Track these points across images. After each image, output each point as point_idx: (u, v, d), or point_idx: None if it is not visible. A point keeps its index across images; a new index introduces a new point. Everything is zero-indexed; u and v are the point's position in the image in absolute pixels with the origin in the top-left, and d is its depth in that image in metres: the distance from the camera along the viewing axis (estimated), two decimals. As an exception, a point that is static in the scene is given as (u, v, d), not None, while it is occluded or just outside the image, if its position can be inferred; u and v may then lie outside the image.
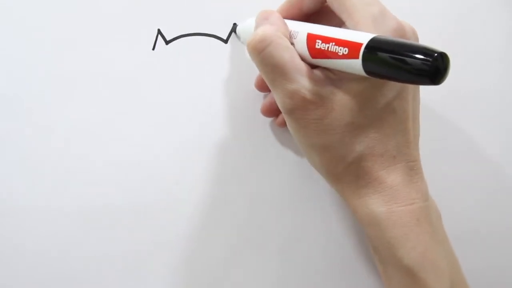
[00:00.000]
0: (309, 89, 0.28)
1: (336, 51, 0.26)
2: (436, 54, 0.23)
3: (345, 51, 0.26)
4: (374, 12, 0.28)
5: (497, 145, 0.37)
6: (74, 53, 0.36)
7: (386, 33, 0.27)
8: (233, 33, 0.36)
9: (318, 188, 0.36)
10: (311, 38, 0.28)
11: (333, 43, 0.26)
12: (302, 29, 0.29)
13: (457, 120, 0.37)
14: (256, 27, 0.31)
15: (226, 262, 0.36)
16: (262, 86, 0.35)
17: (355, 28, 0.28)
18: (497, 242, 0.37)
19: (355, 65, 0.25)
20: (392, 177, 0.29)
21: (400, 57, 0.24)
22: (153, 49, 0.36)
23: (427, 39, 0.36)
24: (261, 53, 0.29)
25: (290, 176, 0.36)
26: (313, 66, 0.29)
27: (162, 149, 0.36)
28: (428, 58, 0.23)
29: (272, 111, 0.35)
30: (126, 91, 0.36)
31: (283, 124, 0.33)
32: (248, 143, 0.36)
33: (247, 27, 0.34)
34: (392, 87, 0.28)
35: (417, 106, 0.31)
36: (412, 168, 0.29)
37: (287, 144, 0.36)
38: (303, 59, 0.29)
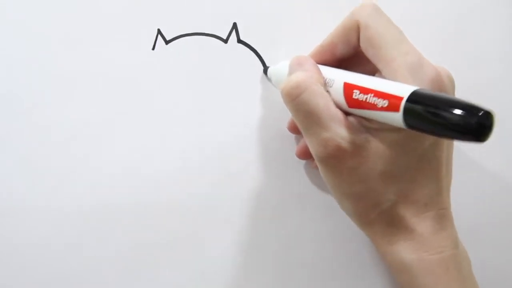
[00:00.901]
0: (344, 138, 0.27)
1: (375, 103, 0.26)
2: (481, 113, 0.22)
3: (385, 103, 0.25)
4: (411, 61, 0.27)
5: (497, 145, 0.37)
6: (74, 53, 0.36)
7: (424, 82, 0.26)
8: (264, 75, 0.36)
9: (318, 187, 0.36)
10: (348, 88, 0.27)
11: (372, 94, 0.26)
12: (338, 77, 0.29)
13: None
14: (290, 73, 0.31)
15: (226, 262, 0.36)
16: (295, 129, 0.35)
17: (391, 77, 0.27)
18: (497, 242, 0.37)
19: (395, 117, 0.25)
20: (423, 224, 0.29)
21: (443, 113, 0.23)
22: (153, 49, 0.36)
23: (427, 39, 0.37)
24: (296, 100, 0.28)
25: (290, 175, 0.36)
26: (348, 113, 0.29)
27: (162, 149, 0.36)
28: (473, 116, 0.22)
29: (307, 154, 0.34)
30: (126, 91, 0.36)
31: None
32: (248, 143, 0.36)
33: (279, 70, 0.33)
34: (428, 137, 0.28)
35: (451, 152, 0.31)
36: (443, 216, 0.29)
37: (287, 144, 0.36)
38: (338, 107, 0.28)
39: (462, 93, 0.37)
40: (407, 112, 0.24)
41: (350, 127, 0.28)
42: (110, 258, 0.35)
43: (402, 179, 0.28)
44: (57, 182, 0.35)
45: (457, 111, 0.22)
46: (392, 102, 0.25)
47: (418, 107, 0.24)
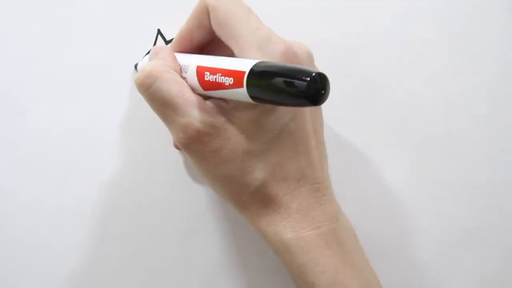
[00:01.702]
0: (202, 121, 0.27)
1: (223, 82, 0.26)
2: (313, 75, 0.23)
3: (231, 80, 0.26)
4: (260, 37, 0.27)
5: (497, 145, 0.37)
6: (74, 53, 0.36)
7: (274, 57, 0.27)
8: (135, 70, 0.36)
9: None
10: (200, 71, 0.28)
11: (220, 74, 0.26)
12: (192, 62, 0.29)
13: (457, 120, 0.37)
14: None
15: (226, 262, 0.36)
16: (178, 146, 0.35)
17: (242, 55, 0.27)
18: (497, 242, 0.37)
19: (242, 93, 0.25)
20: (298, 201, 0.28)
21: (279, 81, 0.23)
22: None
23: (427, 39, 0.37)
24: (149, 89, 0.28)
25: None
26: (207, 98, 0.29)
27: (162, 149, 0.36)
28: (304, 80, 0.23)
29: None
30: (126, 91, 0.36)
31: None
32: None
33: (145, 63, 0.32)
34: (286, 111, 0.28)
35: (320, 127, 0.31)
36: (318, 190, 0.29)
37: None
38: (197, 92, 0.29)
39: (462, 93, 0.37)
40: (250, 85, 0.25)
41: (207, 111, 0.28)
42: (110, 258, 0.35)
43: (267, 157, 0.28)
44: (57, 182, 0.35)
45: (291, 78, 0.23)
46: (237, 78, 0.25)
47: (257, 80, 0.24)
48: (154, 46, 0.32)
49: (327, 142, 0.32)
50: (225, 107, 0.28)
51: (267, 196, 0.28)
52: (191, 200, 0.36)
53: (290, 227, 0.28)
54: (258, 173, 0.28)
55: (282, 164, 0.28)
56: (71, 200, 0.35)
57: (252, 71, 0.25)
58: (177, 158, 0.36)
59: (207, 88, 0.28)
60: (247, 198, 0.29)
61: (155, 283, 0.35)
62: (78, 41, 0.36)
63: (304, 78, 0.23)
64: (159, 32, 0.36)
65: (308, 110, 0.29)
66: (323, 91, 0.23)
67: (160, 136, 0.36)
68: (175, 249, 0.36)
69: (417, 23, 0.37)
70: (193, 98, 0.28)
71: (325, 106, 0.36)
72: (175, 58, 0.30)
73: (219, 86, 0.26)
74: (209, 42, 0.31)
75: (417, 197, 0.36)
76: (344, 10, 0.37)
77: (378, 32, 0.37)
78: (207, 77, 0.27)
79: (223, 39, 0.29)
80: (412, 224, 0.36)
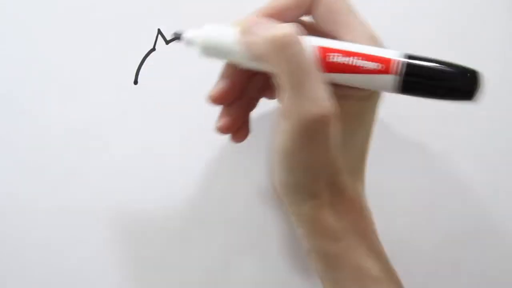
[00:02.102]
0: (330, 100, 0.26)
1: (362, 66, 0.25)
2: (474, 71, 0.24)
3: (377, 66, 0.25)
4: (370, 30, 0.27)
5: (497, 145, 0.37)
6: (75, 53, 0.36)
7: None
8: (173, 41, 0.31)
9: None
10: (324, 51, 0.26)
11: (357, 57, 0.25)
12: (307, 40, 0.26)
13: (457, 120, 0.37)
14: (248, 31, 0.27)
15: (226, 262, 0.36)
16: (222, 99, 0.32)
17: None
18: (497, 242, 0.37)
19: (387, 81, 0.25)
20: (358, 189, 0.30)
21: (440, 73, 0.25)
22: (153, 48, 0.36)
23: (427, 39, 0.37)
24: (289, 49, 0.25)
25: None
26: None
27: (162, 149, 0.36)
28: (466, 76, 0.24)
29: (225, 98, 0.31)
30: (126, 91, 0.36)
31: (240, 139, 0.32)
32: (248, 142, 0.36)
33: (221, 37, 0.29)
34: (377, 104, 0.28)
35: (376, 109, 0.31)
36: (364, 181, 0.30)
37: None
38: None
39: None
40: (405, 75, 0.25)
41: (328, 92, 0.26)
42: (110, 258, 0.35)
43: (354, 151, 0.29)
44: (57, 182, 0.35)
45: (452, 71, 0.24)
46: (386, 64, 0.25)
47: (413, 69, 0.25)
48: (247, 19, 0.28)
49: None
50: (336, 94, 0.26)
51: (340, 186, 0.28)
52: (191, 200, 0.36)
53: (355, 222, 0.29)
54: (338, 163, 0.28)
55: (355, 158, 0.29)
56: (71, 200, 0.35)
57: (407, 60, 0.25)
58: (176, 156, 0.36)
59: (330, 70, 0.26)
60: (322, 186, 0.28)
61: (155, 283, 0.35)
62: (78, 41, 0.36)
63: (466, 73, 0.24)
64: (159, 32, 0.36)
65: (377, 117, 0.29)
66: (480, 88, 0.24)
67: (160, 135, 0.36)
68: (175, 249, 0.36)
69: (417, 23, 0.37)
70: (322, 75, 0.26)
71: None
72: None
73: (353, 69, 0.25)
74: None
75: (417, 197, 0.37)
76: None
77: (378, 32, 0.37)
78: (333, 58, 0.26)
79: (328, 25, 0.28)
80: (412, 224, 0.36)
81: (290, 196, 0.28)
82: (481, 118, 0.37)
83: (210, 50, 0.29)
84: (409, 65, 0.25)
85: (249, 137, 0.36)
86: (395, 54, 0.25)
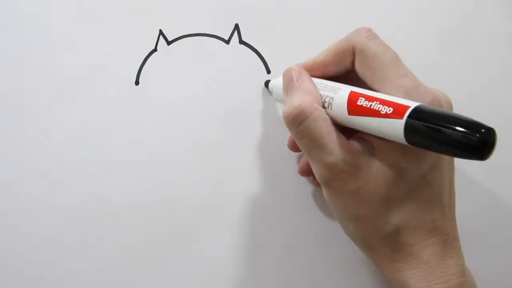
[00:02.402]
0: (347, 161, 0.28)
1: (380, 109, 0.26)
2: (484, 130, 0.22)
3: (390, 110, 0.26)
4: (408, 84, 0.28)
5: (497, 146, 0.37)
6: (75, 53, 0.36)
7: None
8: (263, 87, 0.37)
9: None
10: (354, 95, 0.28)
11: (378, 102, 0.27)
12: (343, 86, 0.29)
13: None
14: (285, 88, 0.31)
15: (226, 262, 0.36)
16: (295, 147, 0.35)
17: None
18: (497, 242, 0.37)
19: (397, 126, 0.25)
20: (428, 251, 0.28)
21: (445, 129, 0.23)
22: (155, 49, 0.36)
23: (427, 39, 0.37)
24: (299, 126, 0.29)
25: (291, 174, 0.36)
26: (345, 132, 0.29)
27: (163, 149, 0.36)
28: (476, 133, 0.22)
29: (308, 172, 0.35)
30: (126, 91, 0.36)
31: (319, 185, 0.34)
32: (248, 142, 0.36)
33: (280, 83, 0.33)
34: (427, 159, 0.28)
35: (453, 176, 0.31)
36: (447, 242, 0.29)
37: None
38: (335, 120, 0.29)
39: (462, 93, 0.38)
40: (409, 123, 0.24)
41: (352, 151, 0.28)
42: (110, 258, 0.35)
43: (404, 203, 0.28)
44: (57, 182, 0.35)
45: (460, 128, 0.23)
46: (397, 109, 0.25)
47: (421, 120, 0.24)
48: (290, 70, 0.32)
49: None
50: (367, 148, 0.29)
51: (398, 242, 0.29)
52: (192, 200, 0.36)
53: (420, 277, 0.28)
54: (392, 219, 0.28)
55: (416, 213, 0.28)
56: (71, 200, 0.35)
57: (417, 109, 0.25)
58: (176, 156, 0.36)
59: (355, 113, 0.28)
60: (377, 242, 0.29)
61: (155, 283, 0.35)
62: (79, 41, 0.36)
63: (475, 130, 0.22)
64: (161, 32, 0.36)
65: (446, 159, 0.29)
66: (492, 147, 0.23)
67: (160, 135, 0.36)
68: (175, 249, 0.35)
69: (417, 23, 0.37)
70: (340, 137, 0.28)
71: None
72: (317, 90, 0.30)
73: (373, 113, 0.26)
74: (336, 77, 0.32)
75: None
76: (344, 10, 0.37)
77: (378, 32, 0.37)
78: (360, 102, 0.27)
79: (367, 81, 0.30)
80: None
81: (356, 245, 0.31)
82: (481, 118, 0.37)
83: (274, 95, 0.35)
84: (416, 110, 0.25)
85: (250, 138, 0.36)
86: (412, 103, 0.25)
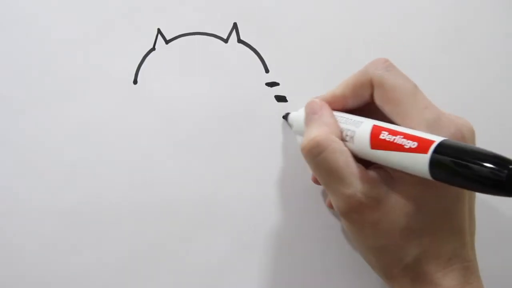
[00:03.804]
0: (365, 192, 0.28)
1: (403, 144, 0.26)
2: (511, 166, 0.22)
3: (414, 144, 0.25)
4: (429, 117, 0.27)
5: (497, 145, 0.37)
6: (74, 53, 0.36)
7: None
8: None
9: (320, 187, 0.36)
10: (377, 129, 0.28)
11: (401, 136, 0.26)
12: (365, 120, 0.29)
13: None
14: (306, 121, 0.31)
15: (226, 263, 0.36)
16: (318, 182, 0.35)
17: None
18: (497, 242, 0.37)
19: (421, 161, 0.25)
20: (448, 279, 0.28)
21: (472, 165, 0.23)
22: (153, 48, 0.36)
23: (428, 39, 0.37)
24: (316, 158, 0.29)
25: (291, 173, 0.36)
26: (365, 163, 0.29)
27: (161, 148, 0.36)
28: (504, 169, 0.22)
29: None
30: (125, 91, 0.36)
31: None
32: (248, 142, 0.36)
33: (299, 117, 0.33)
34: (449, 192, 0.28)
35: (473, 204, 0.30)
36: (468, 269, 0.28)
37: (288, 141, 0.36)
38: (357, 153, 0.29)
39: (462, 93, 0.37)
40: (435, 157, 0.24)
41: (370, 181, 0.28)
42: (110, 258, 0.35)
43: (424, 234, 0.28)
44: (57, 182, 0.35)
45: (487, 164, 0.22)
46: (421, 144, 0.25)
47: (447, 156, 0.24)
48: (311, 103, 0.32)
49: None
50: (386, 178, 0.28)
51: (418, 272, 0.28)
52: (192, 200, 0.36)
53: None
54: (412, 250, 0.28)
55: (436, 243, 0.28)
56: (71, 200, 0.35)
57: (442, 144, 0.24)
58: (176, 156, 0.36)
59: (377, 147, 0.27)
60: (398, 272, 0.29)
61: (155, 283, 0.35)
62: (78, 40, 0.36)
63: (505, 167, 0.22)
64: (159, 31, 0.36)
65: (467, 191, 0.29)
66: None
67: (160, 135, 0.36)
68: (175, 249, 0.36)
69: (417, 23, 0.37)
70: (358, 168, 0.28)
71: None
72: (336, 122, 0.30)
73: (397, 147, 0.26)
74: (356, 109, 0.31)
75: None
76: (343, 10, 0.37)
77: (378, 32, 0.37)
78: (383, 136, 0.27)
79: (387, 114, 0.29)
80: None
81: (379, 276, 0.31)
82: (481, 118, 0.37)
83: (293, 128, 0.35)
84: (441, 145, 0.24)
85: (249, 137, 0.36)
86: (436, 137, 0.25)
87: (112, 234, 0.35)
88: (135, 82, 0.36)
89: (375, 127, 0.28)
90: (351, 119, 0.30)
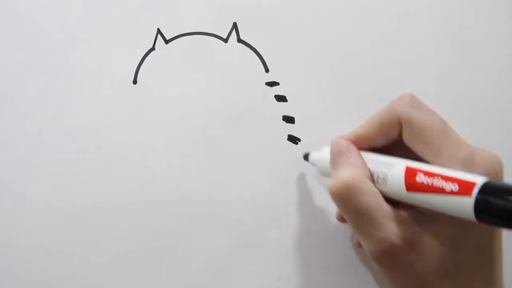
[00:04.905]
0: (398, 234, 0.27)
1: (443, 186, 0.25)
2: None
3: (455, 187, 0.24)
4: (463, 155, 0.27)
5: (498, 145, 0.37)
6: (74, 53, 0.36)
7: None
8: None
9: (319, 188, 0.36)
10: (411, 171, 0.27)
11: (439, 178, 0.25)
12: (397, 161, 0.28)
13: (456, 119, 0.37)
14: (333, 163, 0.30)
15: (226, 263, 0.36)
16: (344, 219, 0.35)
17: None
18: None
19: (463, 204, 0.24)
20: None
21: None
22: (153, 48, 0.36)
23: (428, 39, 0.37)
24: (347, 201, 0.28)
25: (291, 173, 0.36)
26: (395, 204, 0.28)
27: (161, 148, 0.36)
28: None
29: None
30: (125, 91, 0.36)
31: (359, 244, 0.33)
32: (248, 141, 0.36)
33: (324, 158, 0.32)
34: (484, 229, 0.27)
35: (502, 239, 0.30)
36: None
37: (287, 141, 0.36)
38: (390, 196, 0.28)
39: (462, 94, 0.37)
40: (480, 199, 0.23)
41: (402, 223, 0.27)
42: (110, 257, 0.35)
43: (458, 273, 0.27)
44: (57, 182, 0.35)
45: None
46: (463, 186, 0.24)
47: (491, 199, 0.23)
48: (336, 143, 0.31)
49: (327, 140, 0.32)
50: (418, 218, 0.28)
51: None
52: (192, 200, 0.36)
53: None
54: None
55: (470, 281, 0.28)
56: (71, 200, 0.35)
57: (487, 185, 0.23)
58: (176, 156, 0.36)
59: (414, 189, 0.26)
60: None
61: (155, 282, 0.36)
62: (78, 40, 0.36)
63: None
64: (159, 31, 0.36)
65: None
66: None
67: (159, 134, 0.36)
68: (175, 249, 0.36)
69: (417, 23, 0.37)
70: (388, 209, 0.28)
71: (326, 107, 0.36)
72: (364, 163, 0.30)
73: (436, 189, 0.25)
74: (381, 148, 0.31)
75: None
76: (343, 10, 0.37)
77: (378, 32, 0.37)
78: (419, 179, 0.26)
79: (418, 152, 0.28)
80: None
81: None
82: (482, 118, 0.37)
83: (318, 169, 0.34)
84: (486, 186, 0.23)
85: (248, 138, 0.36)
86: (476, 178, 0.24)
87: (112, 233, 0.35)
88: (135, 82, 0.36)
89: (408, 169, 0.27)
90: (381, 160, 0.29)
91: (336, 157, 0.30)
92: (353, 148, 0.31)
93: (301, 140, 0.36)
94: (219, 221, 0.36)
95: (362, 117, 0.36)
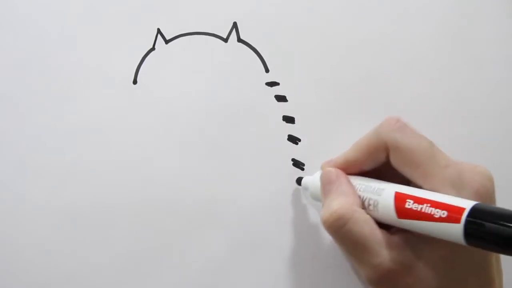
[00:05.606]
0: (393, 259, 0.27)
1: (432, 213, 0.25)
2: None
3: (444, 214, 0.24)
4: (451, 175, 0.27)
5: (498, 145, 0.37)
6: (74, 53, 0.36)
7: (469, 195, 0.26)
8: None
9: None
10: (401, 198, 0.27)
11: (428, 205, 0.25)
12: (387, 187, 0.28)
13: (456, 119, 0.37)
14: (324, 191, 0.31)
15: (226, 263, 0.36)
16: None
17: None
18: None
19: (454, 230, 0.24)
20: None
21: (507, 229, 0.22)
22: (153, 48, 0.36)
23: (428, 39, 0.37)
24: (340, 231, 0.28)
25: (290, 173, 0.36)
26: (387, 227, 0.28)
27: (161, 148, 0.36)
28: None
29: None
30: (125, 91, 0.36)
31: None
32: (248, 141, 0.36)
33: (316, 182, 0.33)
34: (480, 251, 0.27)
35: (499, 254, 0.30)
36: None
37: (288, 142, 0.36)
38: (381, 221, 0.28)
39: (462, 94, 0.37)
40: (468, 225, 0.23)
41: (397, 247, 0.27)
42: (110, 257, 0.35)
43: None
44: (57, 182, 0.35)
45: None
46: (452, 213, 0.24)
47: (480, 221, 0.23)
48: (327, 172, 0.31)
49: (327, 140, 0.32)
50: (412, 241, 0.28)
51: None
52: (192, 200, 0.36)
53: None
54: None
55: None
56: (70, 200, 0.35)
57: (475, 209, 0.24)
58: (176, 156, 0.36)
59: (404, 216, 0.26)
60: None
61: (155, 282, 0.36)
62: (78, 40, 0.36)
63: None
64: (159, 31, 0.36)
65: None
66: None
67: (159, 134, 0.36)
68: (175, 249, 0.36)
69: (417, 23, 0.37)
70: (384, 236, 0.28)
71: (326, 107, 0.36)
72: (354, 190, 0.30)
73: (425, 217, 0.25)
74: (370, 171, 0.31)
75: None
76: (343, 10, 0.37)
77: (378, 32, 0.37)
78: (409, 205, 0.26)
79: (406, 175, 0.29)
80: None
81: None
82: (482, 118, 0.37)
83: (310, 194, 0.34)
84: (474, 211, 0.24)
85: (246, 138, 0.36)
86: (464, 202, 0.24)
87: (112, 233, 0.35)
88: (134, 82, 0.36)
89: (398, 195, 0.27)
90: (371, 186, 0.29)
91: (326, 186, 0.31)
92: (343, 176, 0.31)
93: (301, 140, 0.36)
94: (219, 221, 0.36)
95: (362, 117, 0.36)
